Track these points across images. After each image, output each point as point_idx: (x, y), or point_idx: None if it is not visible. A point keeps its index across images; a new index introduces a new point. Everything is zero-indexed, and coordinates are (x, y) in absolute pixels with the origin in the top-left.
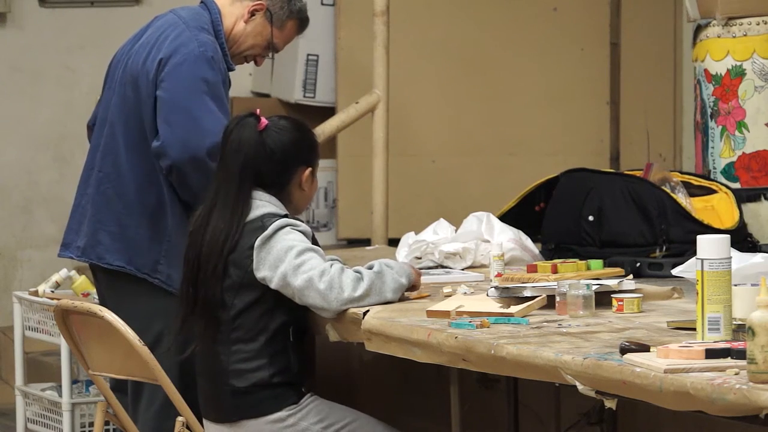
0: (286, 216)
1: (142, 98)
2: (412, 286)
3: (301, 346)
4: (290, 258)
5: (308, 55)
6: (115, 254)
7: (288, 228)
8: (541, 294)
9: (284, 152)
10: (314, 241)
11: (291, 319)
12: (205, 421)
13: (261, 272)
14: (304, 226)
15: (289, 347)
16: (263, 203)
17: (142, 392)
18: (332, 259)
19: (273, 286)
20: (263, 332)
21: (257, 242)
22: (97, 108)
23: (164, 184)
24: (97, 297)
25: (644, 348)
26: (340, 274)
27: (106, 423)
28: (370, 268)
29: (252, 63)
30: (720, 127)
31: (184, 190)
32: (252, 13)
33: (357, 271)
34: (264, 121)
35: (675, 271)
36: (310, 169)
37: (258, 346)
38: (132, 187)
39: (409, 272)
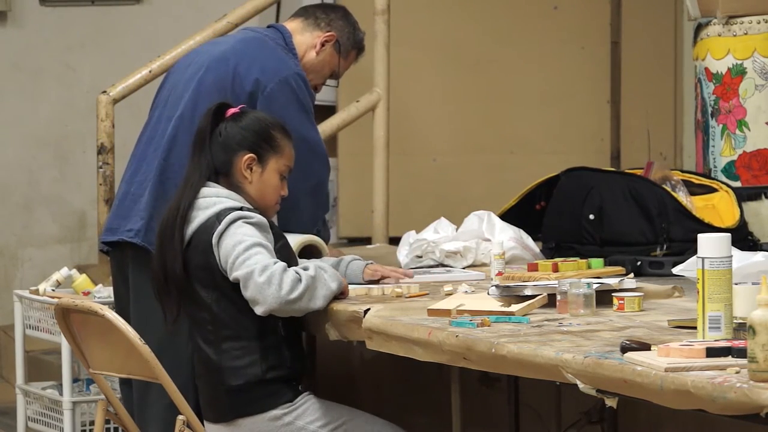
0: (240, 209)
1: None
2: (341, 293)
3: (294, 340)
4: (238, 251)
5: None
6: None
7: (239, 222)
8: (541, 293)
9: (228, 135)
10: (274, 231)
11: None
12: (205, 423)
13: (221, 267)
14: (257, 218)
15: (281, 342)
16: (221, 199)
17: (151, 386)
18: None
19: (231, 279)
20: (249, 328)
21: (213, 239)
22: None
23: None
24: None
25: (645, 347)
26: (281, 272)
27: (107, 421)
28: (305, 269)
29: None
30: (721, 125)
31: (293, 213)
32: (323, 44)
33: (297, 273)
34: (233, 110)
35: (676, 270)
36: (251, 155)
37: (247, 343)
38: None
39: (340, 279)
